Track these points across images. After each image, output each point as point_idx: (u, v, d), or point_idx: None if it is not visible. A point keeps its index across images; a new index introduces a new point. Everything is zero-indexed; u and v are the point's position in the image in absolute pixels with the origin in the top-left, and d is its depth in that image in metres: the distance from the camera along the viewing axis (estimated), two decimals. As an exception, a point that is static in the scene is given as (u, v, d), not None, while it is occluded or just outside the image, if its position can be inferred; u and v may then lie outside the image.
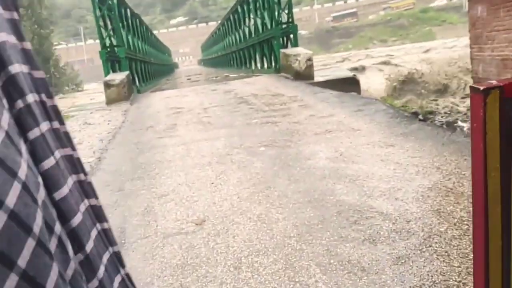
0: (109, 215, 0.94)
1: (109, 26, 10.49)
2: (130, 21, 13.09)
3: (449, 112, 6.64)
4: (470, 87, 0.91)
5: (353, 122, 5.21)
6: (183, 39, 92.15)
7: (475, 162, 0.86)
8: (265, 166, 3.78)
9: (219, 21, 27.70)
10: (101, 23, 10.35)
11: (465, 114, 6.59)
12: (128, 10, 12.85)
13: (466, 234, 2.24)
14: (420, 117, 5.11)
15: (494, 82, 0.86)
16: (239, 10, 15.91)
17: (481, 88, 0.86)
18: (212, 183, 3.46)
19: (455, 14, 68.14)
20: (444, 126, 5.07)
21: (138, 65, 12.85)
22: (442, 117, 6.10)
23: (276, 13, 11.44)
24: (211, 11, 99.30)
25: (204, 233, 2.58)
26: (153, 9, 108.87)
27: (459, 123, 5.55)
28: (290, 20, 11.17)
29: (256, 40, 13.23)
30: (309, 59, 9.66)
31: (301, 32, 79.04)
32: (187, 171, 3.88)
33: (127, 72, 9.84)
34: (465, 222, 2.36)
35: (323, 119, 5.59)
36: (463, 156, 3.50)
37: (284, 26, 11.25)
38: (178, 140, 5.26)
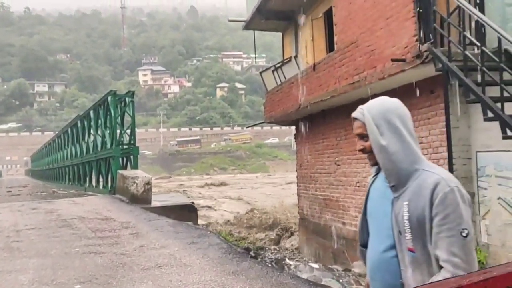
0: None
1: None
2: None
3: (278, 249, 6.86)
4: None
5: (186, 256, 4.93)
6: (12, 146, 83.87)
7: None
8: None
9: (57, 132, 26.14)
10: None
11: (292, 251, 6.89)
12: None
13: None
14: (252, 253, 5.13)
15: None
16: (79, 124, 15.24)
17: None
18: None
19: (285, 151, 77.06)
20: (274, 264, 5.13)
21: None
22: (272, 253, 6.23)
23: (118, 132, 11.19)
24: (50, 121, 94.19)
25: None
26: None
27: (287, 260, 5.70)
28: (132, 141, 10.98)
29: (94, 157, 12.58)
30: (148, 183, 9.37)
31: (146, 152, 79.44)
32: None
33: None
34: None
35: (154, 251, 5.18)
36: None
37: (125, 146, 10.98)
38: (-30, 273, 4.24)
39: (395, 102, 1.77)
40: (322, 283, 5.41)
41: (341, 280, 6.16)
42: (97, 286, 3.90)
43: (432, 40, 6.20)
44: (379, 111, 1.74)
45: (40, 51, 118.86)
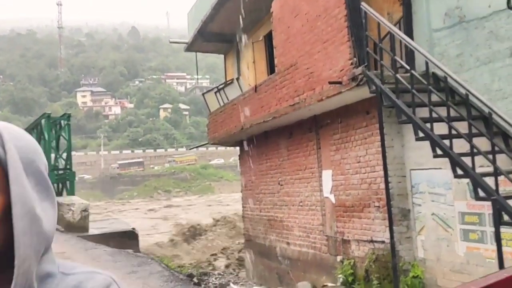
0: None
1: None
2: None
3: (222, 273, 6.74)
4: None
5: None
6: None
7: None
8: None
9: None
10: None
11: (236, 275, 6.78)
12: None
13: None
14: (195, 279, 4.99)
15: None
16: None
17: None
18: None
19: (231, 172, 76.93)
20: (218, 288, 5.02)
21: None
22: (216, 278, 6.09)
23: (53, 157, 10.67)
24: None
25: None
26: None
27: (232, 285, 5.60)
28: (68, 166, 10.48)
29: (26, 184, 11.86)
30: (85, 210, 8.96)
31: (85, 176, 76.29)
32: None
33: None
34: None
35: (90, 283, 4.90)
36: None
37: (60, 172, 10.46)
38: None
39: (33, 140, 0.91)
40: (267, 306, 5.36)
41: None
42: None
43: (366, 64, 6.48)
44: (28, 149, 0.87)
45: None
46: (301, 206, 9.63)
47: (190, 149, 69.20)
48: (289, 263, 10.04)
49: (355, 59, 6.76)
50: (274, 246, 10.79)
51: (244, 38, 12.15)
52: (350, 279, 7.65)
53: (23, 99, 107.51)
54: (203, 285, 5.16)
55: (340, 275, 7.74)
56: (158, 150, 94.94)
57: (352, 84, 6.68)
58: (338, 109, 8.13)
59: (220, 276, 7.15)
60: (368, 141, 7.53)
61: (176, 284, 4.83)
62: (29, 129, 11.97)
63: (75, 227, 8.70)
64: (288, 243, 10.18)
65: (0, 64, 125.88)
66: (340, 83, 6.91)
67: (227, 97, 12.57)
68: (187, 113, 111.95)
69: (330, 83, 7.06)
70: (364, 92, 6.82)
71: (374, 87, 6.30)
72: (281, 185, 10.45)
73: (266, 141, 11.29)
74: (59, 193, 10.19)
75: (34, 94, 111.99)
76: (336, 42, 7.15)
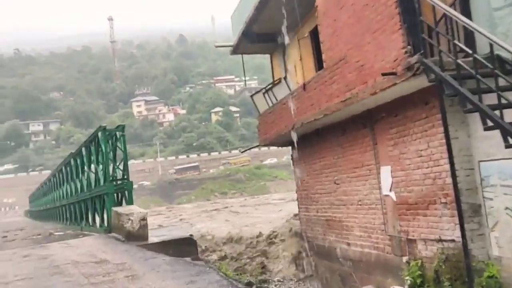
0: None
1: None
2: None
3: (281, 280, 6.54)
4: None
5: (184, 298, 4.64)
6: (9, 188, 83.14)
7: None
8: None
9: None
10: None
11: (297, 281, 6.57)
12: None
13: None
14: (254, 288, 4.86)
15: None
16: (72, 162, 14.98)
17: None
18: None
19: (285, 170, 76.66)
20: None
21: None
22: (275, 285, 5.91)
23: (111, 168, 10.93)
24: (47, 160, 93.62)
25: None
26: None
27: (293, 293, 5.39)
28: (125, 176, 10.70)
29: (88, 195, 12.28)
30: (143, 219, 9.07)
31: (144, 183, 78.93)
32: None
33: None
34: None
35: (150, 295, 4.88)
36: None
37: (118, 182, 10.70)
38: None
39: None
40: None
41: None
42: None
43: (422, 51, 6.05)
44: None
45: (33, 91, 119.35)
46: (360, 205, 9.24)
47: (243, 151, 69.68)
48: (351, 265, 9.67)
49: (409, 47, 6.33)
50: (334, 247, 10.45)
51: (289, 36, 11.90)
52: (418, 281, 7.19)
53: (83, 113, 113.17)
54: (263, 294, 4.98)
55: (407, 277, 7.30)
56: (212, 154, 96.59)
57: (408, 74, 6.26)
58: (394, 101, 7.68)
59: (279, 283, 6.96)
60: (429, 133, 7.05)
61: (235, 295, 4.66)
62: (88, 142, 12.40)
63: (135, 236, 8.82)
64: (348, 244, 9.81)
65: (60, 80, 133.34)
66: (394, 74, 6.50)
67: (275, 97, 12.37)
68: (237, 115, 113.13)
69: (383, 74, 6.67)
70: (421, 82, 6.38)
71: (433, 76, 5.86)
72: (337, 184, 10.10)
73: (318, 139, 10.97)
74: (119, 203, 10.43)
75: (93, 107, 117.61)
76: (387, 30, 6.74)
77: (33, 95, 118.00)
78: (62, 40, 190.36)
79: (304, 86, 9.87)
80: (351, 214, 9.68)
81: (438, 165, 6.84)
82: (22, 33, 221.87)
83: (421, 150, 7.25)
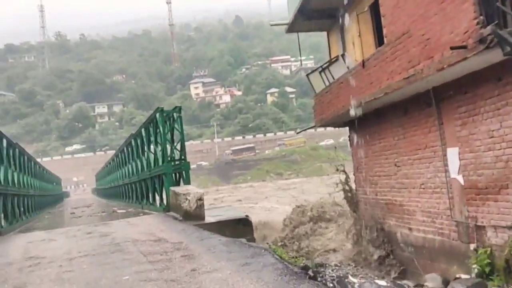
0: None
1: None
2: (5, 151, 11.85)
3: (339, 265, 6.34)
4: None
5: (239, 281, 4.56)
6: (78, 167, 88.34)
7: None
8: None
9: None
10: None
11: (355, 267, 6.35)
12: (4, 140, 11.70)
13: None
14: (311, 273, 4.70)
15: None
16: (133, 143, 15.48)
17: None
18: None
19: (342, 152, 75.38)
20: (336, 283, 4.66)
21: (9, 200, 11.32)
22: (332, 270, 5.73)
23: (169, 148, 11.12)
24: (111, 140, 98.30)
25: None
26: (48, 135, 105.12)
27: (350, 278, 5.19)
28: (183, 157, 10.86)
29: (148, 175, 12.64)
30: (200, 199, 9.15)
31: (202, 163, 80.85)
32: None
33: (-15, 211, 8.43)
34: None
35: (206, 276, 4.86)
36: None
37: (176, 162, 10.87)
38: (19, 311, 4.12)
39: None
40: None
41: (413, 299, 5.55)
42: (145, 320, 3.63)
43: (496, 22, 5.49)
44: None
45: (98, 74, 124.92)
46: (423, 188, 8.76)
47: (298, 132, 69.12)
48: (413, 251, 9.26)
49: (481, 17, 5.78)
50: (394, 232, 10.06)
51: (347, 11, 11.38)
52: (487, 270, 6.72)
53: (144, 95, 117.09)
54: (319, 279, 4.81)
55: (474, 266, 6.84)
56: (267, 135, 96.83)
57: (480, 47, 5.72)
58: (463, 77, 7.11)
59: (337, 267, 6.76)
60: (502, 112, 6.46)
61: (291, 278, 4.55)
62: (146, 123, 12.70)
63: (192, 215, 8.94)
64: (410, 229, 9.38)
65: (122, 64, 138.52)
66: (464, 47, 5.98)
67: (332, 76, 11.96)
68: (293, 95, 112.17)
69: (452, 48, 6.15)
70: (494, 56, 5.82)
71: (509, 49, 5.31)
72: (398, 166, 9.64)
73: (378, 119, 10.50)
74: (176, 183, 10.62)
75: (153, 89, 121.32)
76: (457, 0, 6.19)
77: (98, 79, 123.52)
78: (123, 25, 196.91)
79: (363, 64, 9.42)
80: (413, 198, 9.22)
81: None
82: (86, 18, 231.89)
83: (492, 131, 6.68)
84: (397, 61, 7.98)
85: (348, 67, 11.26)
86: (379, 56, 8.76)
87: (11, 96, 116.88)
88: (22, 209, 13.53)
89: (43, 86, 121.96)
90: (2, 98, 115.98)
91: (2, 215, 10.52)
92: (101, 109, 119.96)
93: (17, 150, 13.99)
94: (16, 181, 13.13)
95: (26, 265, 5.95)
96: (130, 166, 16.57)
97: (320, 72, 12.66)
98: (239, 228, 8.94)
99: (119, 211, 14.85)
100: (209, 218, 9.39)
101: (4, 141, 11.78)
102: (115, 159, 22.90)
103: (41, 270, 5.63)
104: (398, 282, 6.61)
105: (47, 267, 5.73)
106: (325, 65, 12.78)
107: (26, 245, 7.59)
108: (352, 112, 10.23)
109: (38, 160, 27.27)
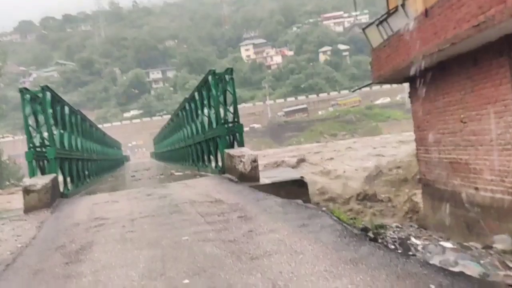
0: None
1: (41, 124, 9.69)
2: (68, 118, 12.37)
3: (400, 226, 6.09)
4: None
5: (296, 241, 4.47)
6: (137, 132, 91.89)
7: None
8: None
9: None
10: (32, 122, 9.54)
11: (417, 228, 6.07)
12: (66, 107, 12.18)
13: None
14: (371, 234, 4.52)
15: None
16: (187, 107, 15.65)
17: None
18: None
19: (399, 110, 72.69)
20: (398, 245, 4.45)
21: (74, 164, 11.89)
22: (394, 232, 5.50)
23: (222, 111, 11.11)
24: (166, 105, 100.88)
25: None
26: (107, 102, 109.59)
27: (413, 240, 4.96)
28: (236, 119, 10.81)
29: (203, 138, 12.77)
30: (254, 160, 9.12)
31: (255, 125, 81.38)
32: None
33: (53, 175, 8.86)
34: None
35: (262, 237, 4.82)
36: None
37: (230, 125, 10.86)
38: (87, 268, 4.28)
39: None
40: (459, 267, 4.62)
41: (482, 262, 5.26)
42: (205, 280, 3.64)
43: None
44: None
45: (151, 40, 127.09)
46: (492, 145, 8.17)
47: (353, 91, 67.31)
48: (479, 211, 8.77)
49: None
50: (458, 192, 9.56)
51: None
52: None
53: (196, 60, 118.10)
54: (380, 240, 4.63)
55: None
56: (320, 95, 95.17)
57: None
58: (542, 22, 6.38)
59: (398, 229, 6.51)
60: None
61: (350, 239, 4.40)
62: (199, 87, 12.71)
63: (247, 177, 8.96)
64: (476, 188, 8.86)
65: (174, 29, 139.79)
66: (546, -15, 5.30)
67: (391, 29, 11.25)
68: (347, 53, 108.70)
69: (531, -12, 5.48)
70: None
71: None
72: (465, 122, 9.02)
73: (443, 72, 9.81)
74: (230, 145, 10.64)
75: (204, 53, 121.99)
76: None
77: (151, 45, 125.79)
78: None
79: (426, 12, 8.72)
80: (480, 156, 8.65)
81: None
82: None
83: None
84: (465, 8, 7.29)
85: (409, 18, 10.51)
86: (444, 3, 8.05)
87: (71, 65, 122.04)
88: (86, 172, 14.21)
89: (100, 54, 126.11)
90: (63, 67, 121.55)
91: (69, 178, 11.10)
92: (155, 74, 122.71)
93: (79, 117, 14.58)
94: (80, 146, 13.76)
95: (92, 226, 6.22)
96: (185, 129, 16.85)
97: (377, 25, 11.95)
98: (294, 189, 8.85)
99: (176, 173, 15.25)
100: (264, 179, 9.37)
101: (66, 108, 12.27)
102: (171, 124, 23.44)
103: (106, 230, 5.85)
104: (465, 243, 6.31)
105: (111, 228, 5.95)
106: (383, 17, 12.03)
107: (91, 206, 7.94)
108: (414, 67, 9.61)
109: (99, 126, 28.49)
